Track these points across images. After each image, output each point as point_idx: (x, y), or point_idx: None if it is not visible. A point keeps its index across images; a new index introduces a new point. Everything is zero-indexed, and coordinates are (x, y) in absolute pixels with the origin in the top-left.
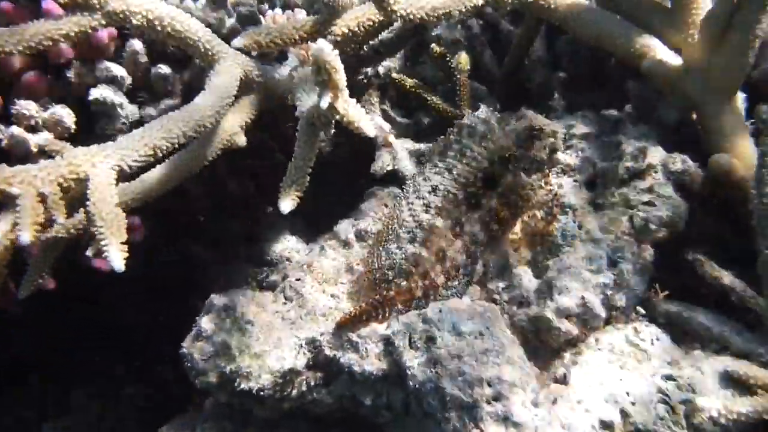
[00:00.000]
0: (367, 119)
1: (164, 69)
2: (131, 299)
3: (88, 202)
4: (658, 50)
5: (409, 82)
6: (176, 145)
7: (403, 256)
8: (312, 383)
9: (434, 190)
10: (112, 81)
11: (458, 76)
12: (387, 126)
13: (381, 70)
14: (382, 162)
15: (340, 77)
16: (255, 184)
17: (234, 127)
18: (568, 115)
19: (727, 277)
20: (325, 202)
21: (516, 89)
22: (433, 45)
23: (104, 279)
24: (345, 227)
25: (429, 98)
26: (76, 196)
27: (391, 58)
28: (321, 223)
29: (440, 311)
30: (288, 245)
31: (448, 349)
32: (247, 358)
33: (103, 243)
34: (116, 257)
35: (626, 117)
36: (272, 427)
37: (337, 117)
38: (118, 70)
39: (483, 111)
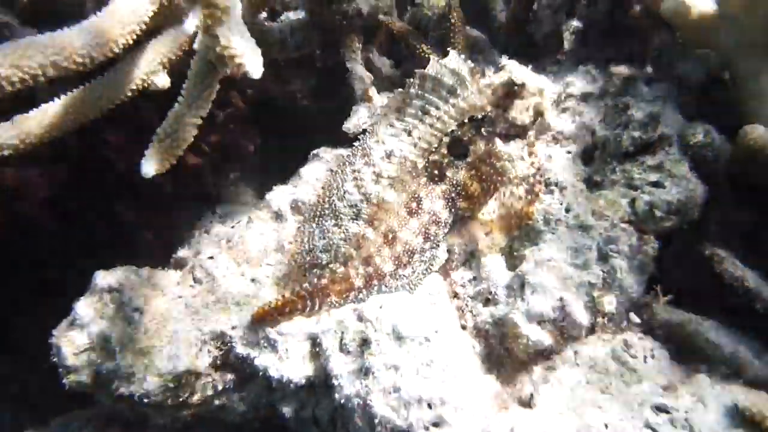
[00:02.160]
0: (254, 55)
1: None
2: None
3: None
4: None
5: (398, 25)
6: (39, 79)
7: (343, 236)
8: (219, 387)
9: (388, 155)
10: None
11: (452, 20)
12: (368, 77)
13: (365, 8)
14: (357, 118)
15: None
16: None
17: (152, 64)
18: (567, 70)
19: (752, 279)
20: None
21: (524, 39)
22: None
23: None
24: (279, 196)
25: (418, 46)
26: None
27: None
28: None
29: (381, 307)
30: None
31: (384, 357)
32: (130, 356)
33: None
34: None
35: (639, 75)
36: None
37: (217, 48)
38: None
39: (452, 58)
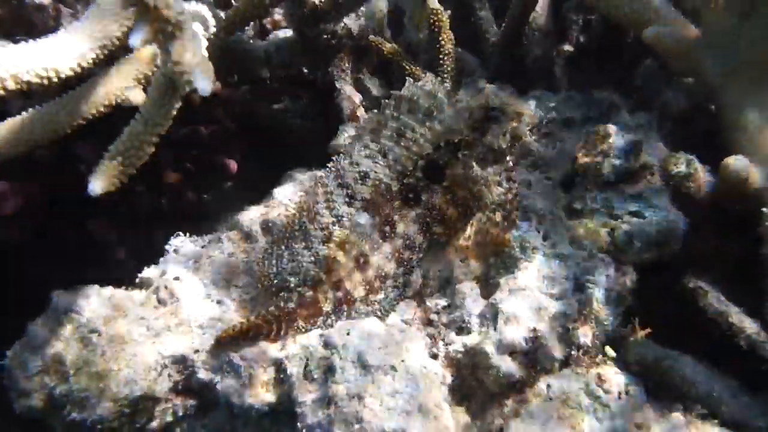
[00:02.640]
0: (204, 71)
1: None
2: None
3: None
4: (670, 17)
5: (388, 46)
6: None
7: (312, 259)
8: (180, 413)
9: (363, 177)
10: None
11: (441, 43)
12: (357, 97)
13: (355, 28)
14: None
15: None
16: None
17: (127, 79)
18: (548, 95)
19: (735, 315)
20: None
21: (515, 62)
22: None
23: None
24: (250, 216)
25: (408, 67)
26: None
27: (371, 18)
28: None
29: (347, 334)
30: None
31: (348, 386)
32: (85, 379)
33: None
34: None
35: (622, 102)
36: None
37: (168, 64)
38: None
39: (428, 80)
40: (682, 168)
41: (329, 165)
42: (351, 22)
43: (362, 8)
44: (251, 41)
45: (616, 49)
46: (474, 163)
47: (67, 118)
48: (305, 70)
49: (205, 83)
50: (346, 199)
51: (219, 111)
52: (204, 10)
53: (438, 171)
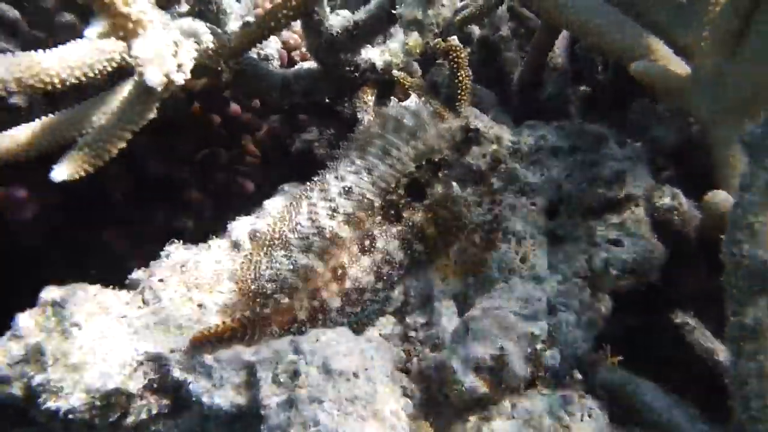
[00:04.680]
0: (163, 65)
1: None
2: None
3: None
4: (661, 53)
5: (410, 80)
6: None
7: (291, 267)
8: (154, 411)
9: (347, 192)
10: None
11: (460, 78)
12: None
13: (379, 63)
14: None
15: None
16: (191, 170)
17: None
18: (541, 124)
19: (722, 352)
20: None
21: (532, 101)
22: (437, 40)
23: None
24: (239, 225)
25: (429, 102)
26: None
27: (394, 53)
28: None
29: (317, 341)
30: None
31: (310, 390)
32: (61, 370)
33: None
34: None
35: (611, 134)
36: None
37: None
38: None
39: (413, 101)
40: (667, 200)
41: (315, 178)
42: (376, 56)
43: (389, 45)
44: (270, 67)
45: (630, 89)
46: (454, 183)
47: (78, 127)
48: (326, 100)
49: (153, 76)
50: (329, 212)
51: (245, 136)
52: (199, 26)
53: (420, 189)
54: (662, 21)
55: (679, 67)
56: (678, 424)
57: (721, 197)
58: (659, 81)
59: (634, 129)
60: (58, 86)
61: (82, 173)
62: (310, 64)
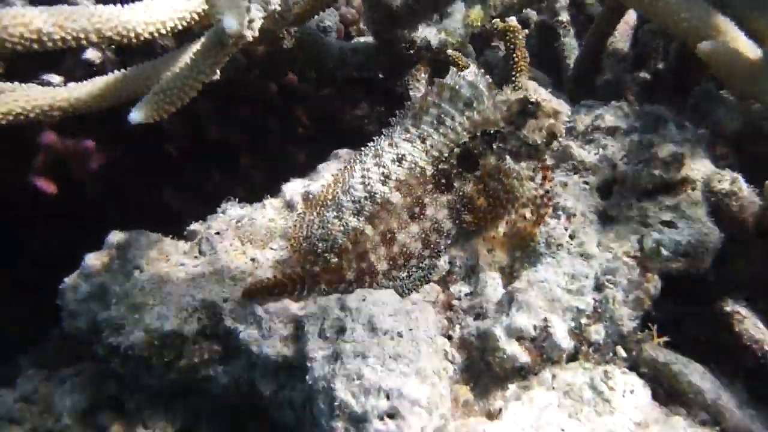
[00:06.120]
0: (237, 13)
1: None
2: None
3: None
4: (731, 35)
5: (464, 60)
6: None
7: (341, 228)
8: (206, 356)
9: (400, 159)
10: None
11: (515, 59)
12: None
13: (434, 42)
14: None
15: None
16: (246, 134)
17: None
18: (598, 104)
19: None
20: None
21: (588, 87)
22: (495, 20)
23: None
24: (293, 187)
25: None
26: None
27: (450, 32)
28: None
29: (363, 300)
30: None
31: (355, 345)
32: (123, 309)
33: None
34: None
35: (671, 116)
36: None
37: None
38: None
39: (471, 72)
40: (726, 185)
41: (370, 144)
42: (432, 35)
43: (445, 24)
44: (328, 39)
45: (693, 76)
46: (508, 156)
47: (147, 83)
48: (380, 76)
49: (231, 23)
50: (382, 178)
51: (298, 108)
52: None
53: (472, 160)
54: (735, 2)
55: (750, 50)
56: (725, 407)
57: None
58: (727, 63)
59: (695, 113)
60: (134, 41)
61: (158, 117)
62: (367, 39)
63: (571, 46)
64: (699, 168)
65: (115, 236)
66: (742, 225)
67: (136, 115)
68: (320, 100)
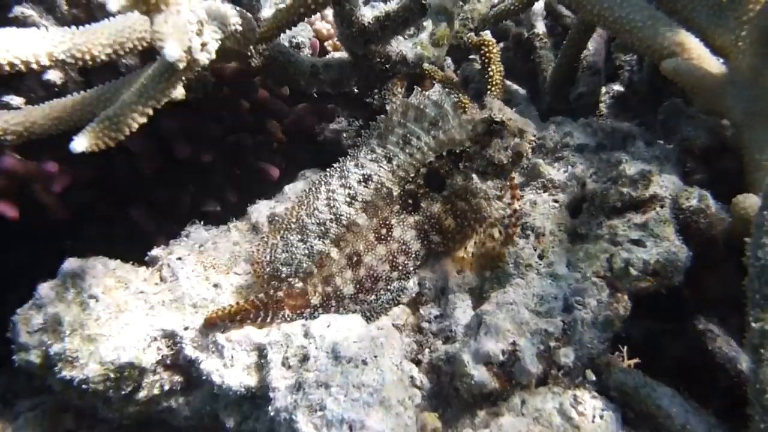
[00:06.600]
0: (183, 41)
1: None
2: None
3: None
4: (695, 52)
5: (440, 74)
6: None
7: (306, 252)
8: (166, 387)
9: (366, 179)
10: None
11: (490, 74)
12: None
13: (410, 56)
14: None
15: None
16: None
17: None
18: (568, 121)
19: (746, 362)
20: None
21: (563, 100)
22: (470, 34)
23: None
24: (259, 209)
25: (458, 95)
26: None
27: (426, 46)
28: None
29: (328, 326)
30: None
31: (318, 375)
32: (77, 340)
33: None
34: None
35: (639, 133)
36: None
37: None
38: None
39: (436, 91)
40: (694, 202)
41: (336, 165)
42: (407, 49)
43: (421, 37)
44: (300, 55)
45: (667, 88)
46: (474, 175)
47: (105, 106)
48: (355, 90)
49: (173, 51)
50: (347, 199)
51: (273, 123)
52: (228, 8)
53: (439, 180)
54: (699, 19)
55: (715, 66)
56: (694, 430)
57: (751, 201)
58: (691, 80)
59: (663, 129)
60: (90, 63)
61: (101, 146)
62: (341, 54)
63: (548, 58)
64: (667, 185)
65: (71, 264)
66: (712, 242)
67: (77, 144)
68: (295, 115)
